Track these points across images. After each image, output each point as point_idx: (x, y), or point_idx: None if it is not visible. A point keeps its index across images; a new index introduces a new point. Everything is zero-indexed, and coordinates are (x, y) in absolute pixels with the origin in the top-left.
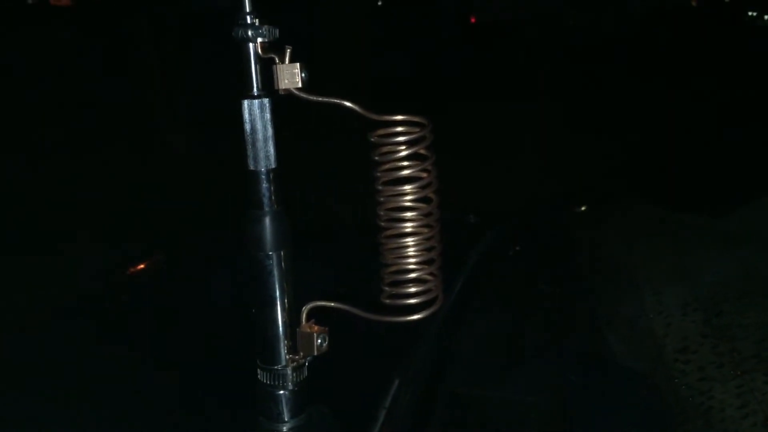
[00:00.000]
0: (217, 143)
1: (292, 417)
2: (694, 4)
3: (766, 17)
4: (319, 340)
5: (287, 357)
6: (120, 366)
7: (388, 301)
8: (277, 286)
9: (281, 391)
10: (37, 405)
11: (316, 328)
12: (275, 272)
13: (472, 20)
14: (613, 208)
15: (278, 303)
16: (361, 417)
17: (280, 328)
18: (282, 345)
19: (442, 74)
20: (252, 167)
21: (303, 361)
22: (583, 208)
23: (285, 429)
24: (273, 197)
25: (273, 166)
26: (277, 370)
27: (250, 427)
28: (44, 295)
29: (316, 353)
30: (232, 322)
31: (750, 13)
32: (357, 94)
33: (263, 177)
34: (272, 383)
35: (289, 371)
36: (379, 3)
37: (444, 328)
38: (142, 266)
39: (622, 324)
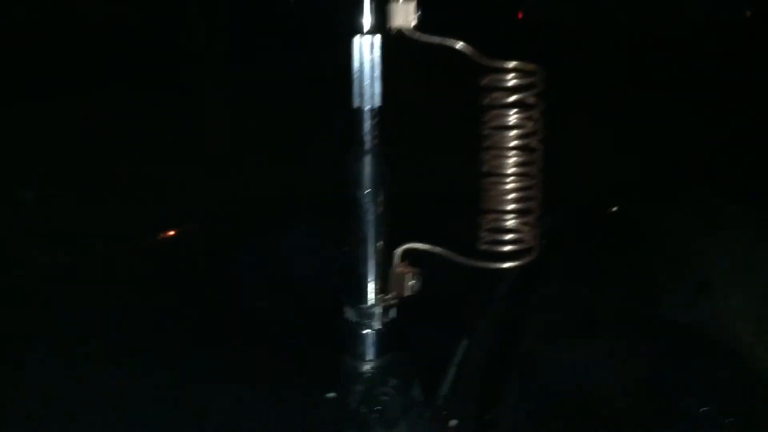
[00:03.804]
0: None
1: (376, 356)
2: (748, 14)
3: None
4: (413, 281)
5: (378, 296)
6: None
7: (485, 247)
8: (372, 224)
9: (367, 330)
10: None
11: (409, 269)
12: (371, 211)
13: (519, 15)
14: (677, 202)
15: (372, 242)
16: (432, 371)
17: (373, 267)
18: (373, 283)
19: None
20: (357, 104)
21: (393, 301)
22: (614, 209)
23: (368, 368)
24: (376, 136)
25: (378, 105)
26: (365, 308)
27: (333, 364)
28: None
29: (407, 294)
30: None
31: None
32: None
33: (367, 115)
34: (359, 321)
35: (377, 310)
36: None
37: (517, 291)
38: (172, 233)
39: (697, 318)
